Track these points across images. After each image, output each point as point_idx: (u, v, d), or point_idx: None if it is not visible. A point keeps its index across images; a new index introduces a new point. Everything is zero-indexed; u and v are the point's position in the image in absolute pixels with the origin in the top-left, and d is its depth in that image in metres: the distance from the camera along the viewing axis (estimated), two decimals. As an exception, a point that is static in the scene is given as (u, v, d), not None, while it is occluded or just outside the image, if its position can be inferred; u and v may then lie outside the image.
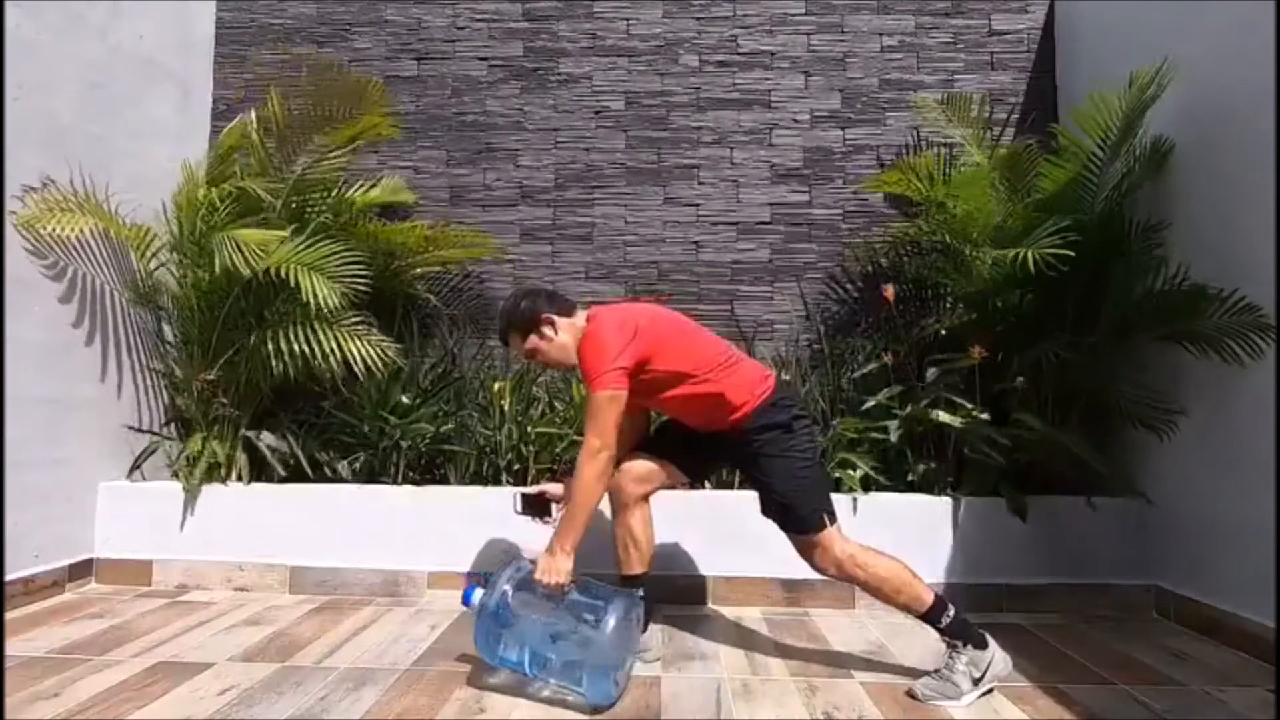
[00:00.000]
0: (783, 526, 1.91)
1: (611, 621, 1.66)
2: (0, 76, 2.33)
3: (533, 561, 1.83)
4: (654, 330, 1.90)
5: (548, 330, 1.96)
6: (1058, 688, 1.83)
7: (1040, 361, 2.56)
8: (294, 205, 2.84)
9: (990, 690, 1.75)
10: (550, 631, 1.71)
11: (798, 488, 1.87)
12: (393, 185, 3.24)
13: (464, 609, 2.42)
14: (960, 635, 1.78)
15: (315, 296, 2.47)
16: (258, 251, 2.50)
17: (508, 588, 1.76)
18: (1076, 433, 2.58)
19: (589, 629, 1.68)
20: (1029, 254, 2.32)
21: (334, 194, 3.02)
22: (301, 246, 2.59)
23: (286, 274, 2.52)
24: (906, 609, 1.82)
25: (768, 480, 1.90)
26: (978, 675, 1.74)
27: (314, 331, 2.63)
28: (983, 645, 1.77)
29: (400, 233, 3.03)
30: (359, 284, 2.59)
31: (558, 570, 1.76)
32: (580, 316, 2.00)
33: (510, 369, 3.03)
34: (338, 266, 2.58)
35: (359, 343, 2.65)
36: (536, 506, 2.07)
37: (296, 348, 2.62)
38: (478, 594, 1.79)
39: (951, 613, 1.79)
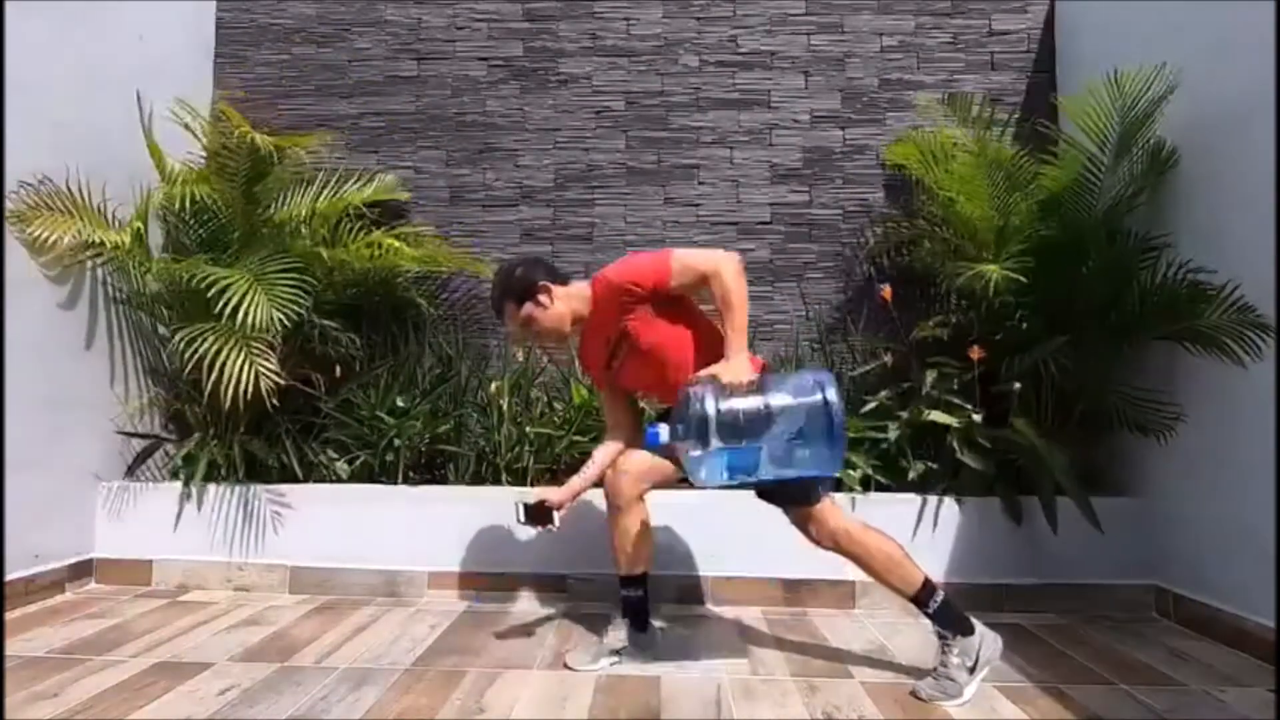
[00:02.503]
0: (780, 502, 1.91)
1: (831, 389, 1.62)
2: (0, 76, 2.33)
3: (699, 385, 1.72)
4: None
5: (543, 298, 1.92)
6: (1058, 688, 1.83)
7: (1038, 364, 2.56)
8: (254, 221, 2.79)
9: (987, 668, 1.77)
10: (773, 422, 1.64)
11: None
12: (388, 183, 3.22)
13: (463, 608, 2.45)
14: (947, 623, 1.79)
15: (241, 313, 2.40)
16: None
17: (714, 404, 1.63)
18: (1075, 434, 2.58)
19: (808, 399, 1.63)
20: (995, 274, 2.42)
21: (314, 200, 3.01)
22: (255, 264, 2.57)
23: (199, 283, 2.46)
24: (896, 590, 1.84)
25: None
26: (971, 664, 1.76)
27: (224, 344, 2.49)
28: (969, 631, 1.78)
29: (397, 254, 2.99)
30: (294, 307, 2.50)
31: (742, 369, 1.71)
32: (575, 286, 1.99)
33: (508, 369, 3.03)
34: (273, 286, 2.49)
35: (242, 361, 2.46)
36: (538, 515, 2.01)
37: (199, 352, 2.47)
38: (664, 430, 1.69)
39: (939, 598, 1.80)
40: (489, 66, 3.43)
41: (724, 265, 1.80)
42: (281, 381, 2.51)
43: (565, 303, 1.95)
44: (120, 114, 2.85)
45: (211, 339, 2.47)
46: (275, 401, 2.52)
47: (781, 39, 3.37)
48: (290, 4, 3.49)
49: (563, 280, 1.99)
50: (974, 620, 1.81)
